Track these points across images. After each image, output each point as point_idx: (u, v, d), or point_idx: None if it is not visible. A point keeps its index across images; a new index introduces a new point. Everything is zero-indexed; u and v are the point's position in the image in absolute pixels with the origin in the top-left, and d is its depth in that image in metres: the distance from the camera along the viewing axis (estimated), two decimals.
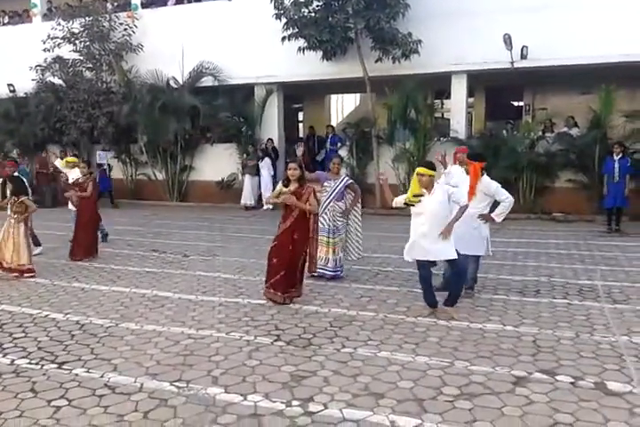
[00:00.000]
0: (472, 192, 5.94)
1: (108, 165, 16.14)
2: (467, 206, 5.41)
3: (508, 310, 5.69)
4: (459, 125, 13.79)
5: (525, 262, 8.00)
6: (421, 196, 5.33)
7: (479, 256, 6.19)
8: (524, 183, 12.99)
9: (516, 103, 17.88)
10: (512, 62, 12.70)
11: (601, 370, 4.15)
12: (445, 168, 7.20)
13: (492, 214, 5.95)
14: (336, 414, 3.51)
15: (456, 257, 5.39)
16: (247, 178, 14.99)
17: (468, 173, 6.11)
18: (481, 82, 15.09)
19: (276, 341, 4.82)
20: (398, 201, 5.55)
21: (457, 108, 14.01)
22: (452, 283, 5.66)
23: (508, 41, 12.34)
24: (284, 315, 5.56)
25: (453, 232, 5.34)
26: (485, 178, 6.03)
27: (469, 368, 4.20)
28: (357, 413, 3.51)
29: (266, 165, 14.81)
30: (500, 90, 16.31)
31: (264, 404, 3.65)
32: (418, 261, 5.44)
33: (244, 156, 15.29)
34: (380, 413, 3.51)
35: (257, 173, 14.94)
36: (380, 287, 6.60)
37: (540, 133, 13.41)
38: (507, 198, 5.89)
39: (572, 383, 3.93)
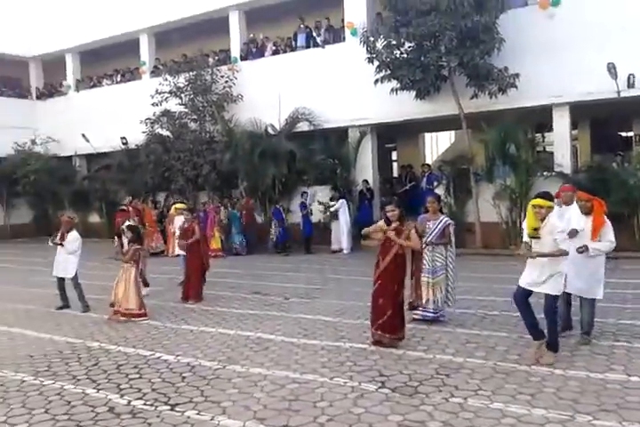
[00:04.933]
0: (597, 231, 5.66)
1: (310, 210, 15.27)
2: (565, 252, 5.06)
3: (632, 358, 5.23)
4: (563, 159, 13.20)
5: None
6: (538, 229, 5.14)
7: (595, 299, 5.81)
8: (638, 219, 12.12)
9: (624, 134, 16.96)
10: (618, 92, 12.13)
11: None
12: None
13: (591, 245, 5.60)
14: None
15: (557, 294, 5.17)
16: (334, 222, 14.69)
17: (583, 211, 5.82)
18: (585, 113, 14.47)
19: (380, 388, 4.70)
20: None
21: (560, 141, 13.45)
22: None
23: (612, 70, 11.83)
24: (387, 360, 5.43)
25: (570, 272, 5.15)
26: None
27: (592, 423, 3.87)
28: None
29: (342, 207, 14.40)
30: (606, 120, 15.57)
31: None
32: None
33: (329, 200, 14.97)
34: None
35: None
36: (487, 333, 6.30)
37: None
38: (613, 243, 5.69)
39: None
